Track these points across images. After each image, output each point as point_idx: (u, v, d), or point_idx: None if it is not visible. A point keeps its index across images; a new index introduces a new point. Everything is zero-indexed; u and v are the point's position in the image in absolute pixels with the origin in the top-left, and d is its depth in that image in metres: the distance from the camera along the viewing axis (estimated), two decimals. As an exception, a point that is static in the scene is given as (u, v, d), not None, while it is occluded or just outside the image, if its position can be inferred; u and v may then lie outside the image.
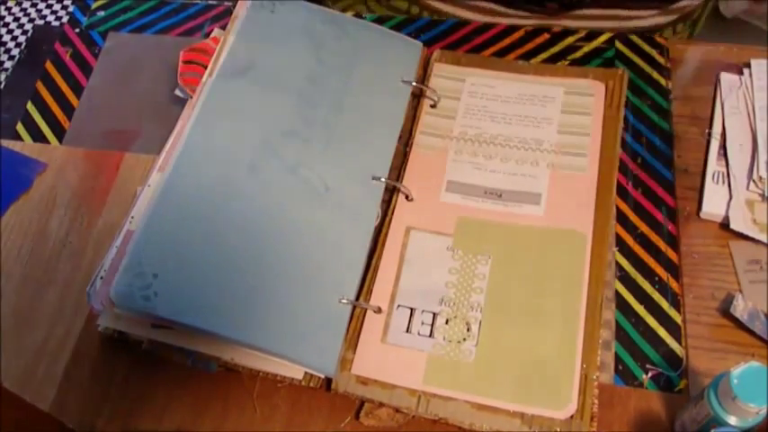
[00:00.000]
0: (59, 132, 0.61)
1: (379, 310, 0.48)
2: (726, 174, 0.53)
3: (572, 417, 0.44)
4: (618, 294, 0.50)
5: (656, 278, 0.51)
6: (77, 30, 0.66)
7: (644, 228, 0.53)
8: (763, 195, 0.51)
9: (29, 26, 0.73)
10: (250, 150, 0.49)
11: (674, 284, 0.50)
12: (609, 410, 0.46)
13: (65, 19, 0.68)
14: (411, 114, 0.57)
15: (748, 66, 0.57)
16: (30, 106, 0.62)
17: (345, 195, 0.51)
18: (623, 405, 0.46)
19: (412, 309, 0.48)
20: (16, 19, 0.74)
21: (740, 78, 0.57)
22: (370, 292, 0.49)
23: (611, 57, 0.61)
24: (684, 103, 0.57)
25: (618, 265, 0.51)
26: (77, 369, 0.49)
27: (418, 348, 0.47)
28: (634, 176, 0.55)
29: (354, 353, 0.47)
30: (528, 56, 0.62)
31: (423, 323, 0.48)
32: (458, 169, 0.54)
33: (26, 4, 0.74)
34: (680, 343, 0.48)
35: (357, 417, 0.46)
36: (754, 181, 0.52)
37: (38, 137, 0.61)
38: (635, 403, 0.46)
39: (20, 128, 0.61)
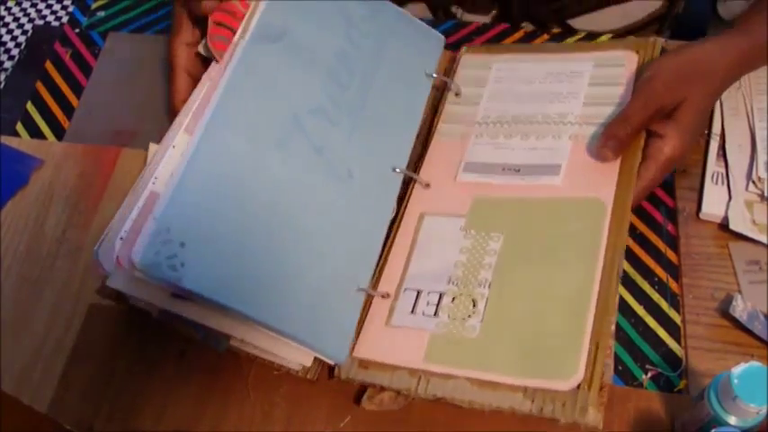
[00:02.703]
0: (59, 132, 0.61)
1: (386, 296, 0.47)
2: (725, 174, 0.53)
3: (579, 387, 0.41)
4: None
5: (656, 278, 0.50)
6: (77, 30, 0.66)
7: (643, 228, 0.53)
8: (762, 196, 0.51)
9: (29, 26, 0.73)
10: (280, 125, 0.48)
11: (673, 285, 0.50)
12: (609, 410, 0.45)
13: (65, 19, 0.68)
14: (433, 104, 0.56)
15: (747, 67, 0.57)
16: (30, 106, 0.62)
17: (366, 185, 0.50)
18: (623, 405, 0.46)
19: (419, 291, 0.47)
20: (16, 19, 0.74)
21: (739, 80, 0.57)
22: (378, 278, 0.48)
23: (610, 58, 0.61)
24: (684, 104, 0.57)
25: (617, 265, 0.51)
26: (75, 369, 0.49)
27: (421, 328, 0.45)
28: (633, 177, 0.55)
29: (357, 338, 0.46)
30: (527, 57, 0.62)
31: (428, 303, 0.46)
32: (477, 151, 0.52)
33: (26, 4, 0.74)
34: (679, 343, 0.48)
35: (358, 403, 0.46)
36: (753, 181, 0.52)
37: (38, 137, 0.61)
38: (635, 403, 0.46)
39: (20, 128, 0.61)
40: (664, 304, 0.49)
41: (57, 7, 0.73)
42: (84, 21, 0.67)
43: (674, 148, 0.48)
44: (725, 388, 0.39)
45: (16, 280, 0.53)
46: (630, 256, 0.51)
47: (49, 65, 0.64)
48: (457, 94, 0.56)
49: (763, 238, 0.50)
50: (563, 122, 0.52)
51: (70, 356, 0.49)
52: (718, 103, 0.56)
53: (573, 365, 0.42)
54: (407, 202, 0.51)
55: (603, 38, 0.61)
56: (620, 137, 0.48)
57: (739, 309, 0.47)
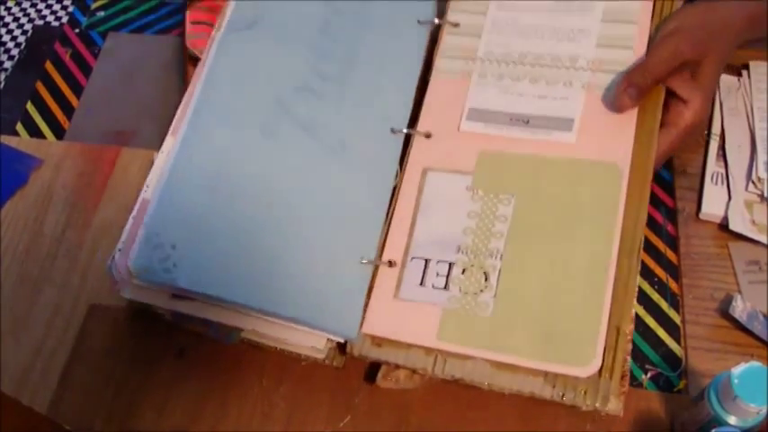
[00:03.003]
0: (59, 132, 0.61)
1: (392, 264, 0.45)
2: (725, 174, 0.53)
3: (599, 374, 0.40)
4: (617, 295, 0.50)
5: (656, 279, 0.50)
6: (77, 30, 0.66)
7: (643, 228, 0.53)
8: (761, 196, 0.52)
9: (28, 26, 0.73)
10: (263, 110, 0.47)
11: (673, 285, 0.50)
12: (608, 411, 0.45)
13: (65, 19, 0.68)
14: (432, 41, 0.53)
15: (747, 68, 0.57)
16: (30, 106, 0.62)
17: (363, 152, 0.48)
18: (623, 405, 0.46)
19: (426, 260, 0.45)
20: (16, 19, 0.74)
21: (739, 80, 0.57)
22: (383, 245, 0.46)
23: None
24: (683, 104, 0.57)
25: (617, 265, 0.51)
26: (75, 369, 0.49)
27: (432, 302, 0.43)
28: (633, 177, 0.55)
29: (365, 311, 0.44)
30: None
31: (438, 274, 0.44)
32: (481, 95, 0.49)
33: (26, 5, 0.74)
34: (679, 343, 0.48)
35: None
36: (752, 182, 0.52)
37: (37, 137, 0.61)
38: (634, 403, 0.46)
39: (20, 128, 0.61)
40: (663, 304, 0.50)
41: (57, 7, 0.73)
42: (84, 21, 0.67)
43: (696, 114, 0.47)
44: (725, 388, 0.39)
45: (16, 280, 0.53)
46: (630, 256, 0.51)
47: (48, 65, 0.64)
48: (455, 25, 0.52)
49: (762, 239, 0.50)
50: (574, 67, 0.48)
51: (70, 356, 0.49)
52: (717, 104, 0.56)
53: (590, 350, 0.40)
54: (408, 155, 0.48)
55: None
56: (640, 85, 0.46)
57: (739, 309, 0.48)
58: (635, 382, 0.47)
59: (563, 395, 0.40)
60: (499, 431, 0.45)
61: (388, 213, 0.47)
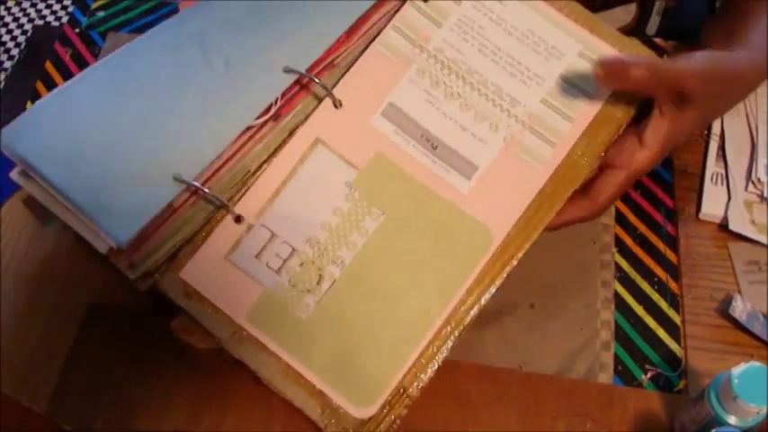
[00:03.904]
0: (58, 132, 0.61)
1: (239, 220, 0.43)
2: (725, 175, 0.53)
3: (367, 422, 0.40)
4: (617, 295, 0.50)
5: (656, 279, 0.51)
6: (77, 30, 0.66)
7: (643, 228, 0.53)
8: (761, 196, 0.52)
9: (28, 26, 0.73)
10: (183, 38, 0.48)
11: (673, 285, 0.50)
12: (608, 410, 0.46)
13: (64, 19, 0.68)
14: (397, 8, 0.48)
15: (747, 68, 0.58)
16: (30, 106, 0.62)
17: (241, 79, 0.46)
18: (623, 405, 0.46)
19: (273, 234, 0.43)
20: (16, 19, 0.74)
21: (739, 80, 0.57)
22: (240, 197, 0.44)
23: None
24: (683, 104, 0.58)
25: (617, 265, 0.51)
26: (74, 370, 0.49)
27: (258, 280, 0.42)
28: (633, 177, 0.55)
29: (192, 257, 0.42)
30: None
31: (277, 255, 0.43)
32: (408, 94, 0.45)
33: (26, 5, 0.74)
34: (679, 343, 0.48)
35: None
36: (752, 182, 0.52)
37: (37, 136, 0.61)
38: (634, 403, 0.46)
39: (19, 127, 0.61)
40: (663, 304, 0.50)
41: (57, 7, 0.73)
42: (84, 21, 0.67)
43: (648, 162, 0.43)
44: (725, 388, 0.39)
45: (16, 279, 0.53)
46: (630, 256, 0.51)
47: (48, 65, 0.64)
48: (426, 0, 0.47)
49: (762, 239, 0.50)
50: (509, 112, 0.45)
51: (70, 356, 0.49)
52: (717, 104, 0.56)
53: (372, 396, 0.40)
54: (309, 116, 0.45)
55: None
56: (624, 65, 0.41)
57: (739, 309, 0.48)
58: (635, 382, 0.47)
59: (326, 424, 0.41)
60: (499, 431, 0.45)
61: (262, 165, 0.45)
